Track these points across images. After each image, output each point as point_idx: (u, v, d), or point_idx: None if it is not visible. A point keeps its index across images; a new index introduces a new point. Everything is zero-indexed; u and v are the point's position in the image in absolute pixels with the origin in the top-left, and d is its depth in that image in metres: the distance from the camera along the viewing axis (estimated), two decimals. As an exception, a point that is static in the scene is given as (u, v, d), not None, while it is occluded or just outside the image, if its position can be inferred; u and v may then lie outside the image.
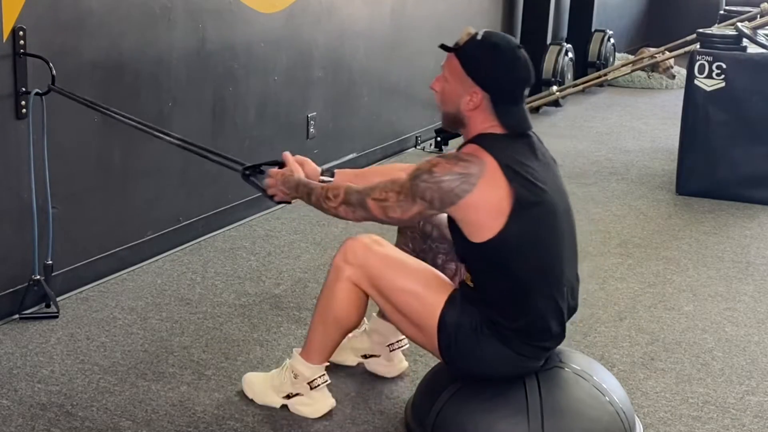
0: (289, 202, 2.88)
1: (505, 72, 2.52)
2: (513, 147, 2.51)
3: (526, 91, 2.58)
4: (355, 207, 2.59)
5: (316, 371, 2.81)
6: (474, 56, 2.52)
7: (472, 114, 2.53)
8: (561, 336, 2.63)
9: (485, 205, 2.44)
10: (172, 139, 3.27)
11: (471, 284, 2.60)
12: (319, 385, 2.82)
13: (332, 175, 2.91)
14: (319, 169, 2.93)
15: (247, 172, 2.96)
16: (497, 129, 2.53)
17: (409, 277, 2.63)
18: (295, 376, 2.83)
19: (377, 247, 2.69)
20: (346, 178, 2.88)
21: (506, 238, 2.45)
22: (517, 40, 2.59)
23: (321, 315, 2.75)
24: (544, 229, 2.53)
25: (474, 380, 2.63)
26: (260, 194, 2.92)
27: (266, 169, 2.89)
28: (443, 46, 2.59)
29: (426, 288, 2.61)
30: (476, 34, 2.54)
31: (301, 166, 2.87)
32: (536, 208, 2.49)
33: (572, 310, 2.67)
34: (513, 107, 2.54)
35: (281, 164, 2.87)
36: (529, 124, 2.58)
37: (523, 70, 2.54)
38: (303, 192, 2.73)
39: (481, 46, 2.52)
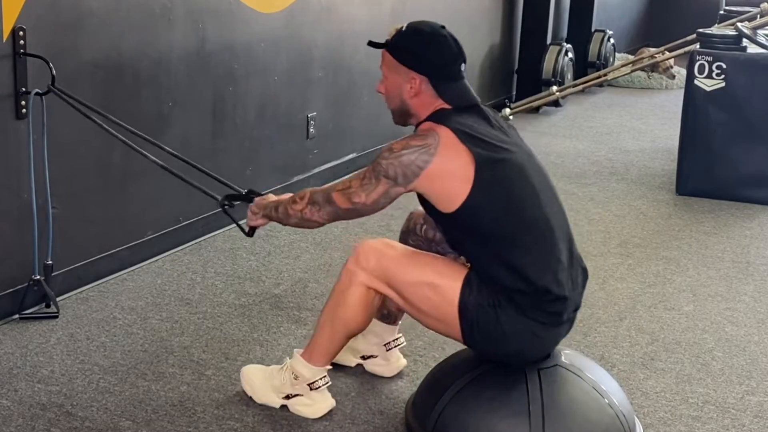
0: (255, 228, 2.96)
1: (433, 51, 2.63)
2: (464, 116, 2.61)
3: (463, 68, 2.67)
4: (321, 204, 2.66)
5: (317, 373, 2.81)
6: (402, 45, 2.65)
7: (415, 100, 2.64)
8: (573, 296, 2.61)
9: (448, 172, 2.52)
10: (155, 159, 3.35)
11: (467, 264, 2.65)
12: (319, 387, 2.82)
13: None
14: None
15: (225, 204, 3.07)
16: (444, 106, 2.63)
17: (422, 271, 2.64)
18: (296, 377, 2.82)
19: (389, 249, 2.70)
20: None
21: (477, 201, 2.51)
22: (439, 23, 2.72)
23: (329, 318, 2.75)
24: (515, 185, 2.58)
25: (500, 364, 2.64)
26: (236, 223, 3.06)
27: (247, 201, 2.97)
28: (371, 44, 2.72)
29: (441, 277, 2.62)
30: (401, 26, 2.69)
31: None
32: (500, 165, 2.55)
33: (580, 271, 2.66)
34: (452, 83, 2.64)
35: (255, 194, 2.98)
36: (473, 97, 2.67)
37: (450, 46, 2.64)
38: (271, 207, 2.82)
39: (406, 34, 2.67)
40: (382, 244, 2.71)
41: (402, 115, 2.71)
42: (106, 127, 3.37)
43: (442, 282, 2.62)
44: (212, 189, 3.26)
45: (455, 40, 2.66)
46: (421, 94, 2.63)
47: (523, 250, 2.55)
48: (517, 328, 2.56)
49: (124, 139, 3.37)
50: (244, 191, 3.03)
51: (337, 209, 2.65)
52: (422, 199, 2.63)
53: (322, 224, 2.73)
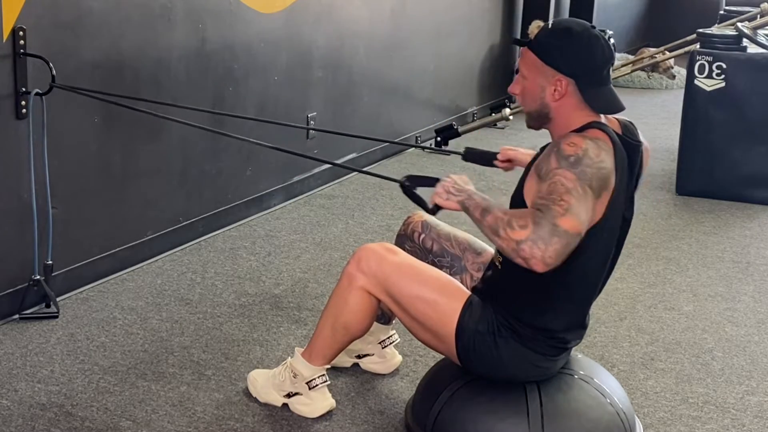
0: (440, 208, 2.54)
1: (584, 53, 2.41)
2: (619, 143, 2.39)
3: (610, 72, 2.46)
4: (547, 239, 2.17)
5: (315, 372, 2.80)
6: (549, 44, 2.42)
7: (558, 104, 2.43)
8: (577, 340, 2.63)
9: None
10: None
11: (498, 265, 2.54)
12: (317, 386, 2.81)
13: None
14: (534, 153, 2.75)
15: (407, 184, 2.67)
16: (590, 116, 2.42)
17: (424, 285, 2.60)
18: (294, 376, 2.83)
19: (391, 255, 2.66)
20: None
21: (588, 238, 2.32)
22: (589, 23, 2.48)
23: (330, 320, 2.73)
24: (610, 239, 2.46)
25: (492, 382, 2.62)
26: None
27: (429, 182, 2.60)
28: (516, 41, 2.54)
29: (441, 295, 2.58)
30: (546, 24, 2.47)
31: (516, 160, 2.86)
32: (616, 213, 2.41)
33: (586, 326, 2.66)
34: (600, 89, 2.43)
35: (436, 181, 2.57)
36: (621, 105, 2.46)
37: (603, 48, 2.42)
38: (479, 204, 2.37)
39: (554, 33, 2.43)
40: (383, 249, 2.68)
41: (539, 119, 2.47)
42: (124, 104, 3.33)
43: (442, 300, 2.57)
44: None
45: (607, 42, 2.44)
46: (566, 98, 2.41)
47: (568, 299, 2.50)
48: (515, 357, 2.54)
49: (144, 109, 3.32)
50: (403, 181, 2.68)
51: (570, 239, 2.19)
52: (519, 191, 2.41)
53: (546, 266, 2.19)
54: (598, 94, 2.43)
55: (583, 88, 2.41)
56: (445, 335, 2.59)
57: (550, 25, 2.46)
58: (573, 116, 2.43)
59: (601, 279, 2.55)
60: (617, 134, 2.43)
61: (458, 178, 2.50)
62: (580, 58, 2.41)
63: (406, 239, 2.97)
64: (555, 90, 2.42)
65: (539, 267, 2.19)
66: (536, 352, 2.54)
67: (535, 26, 2.47)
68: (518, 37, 2.41)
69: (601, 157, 2.29)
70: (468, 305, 2.56)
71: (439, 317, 2.58)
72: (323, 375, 2.82)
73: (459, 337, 2.56)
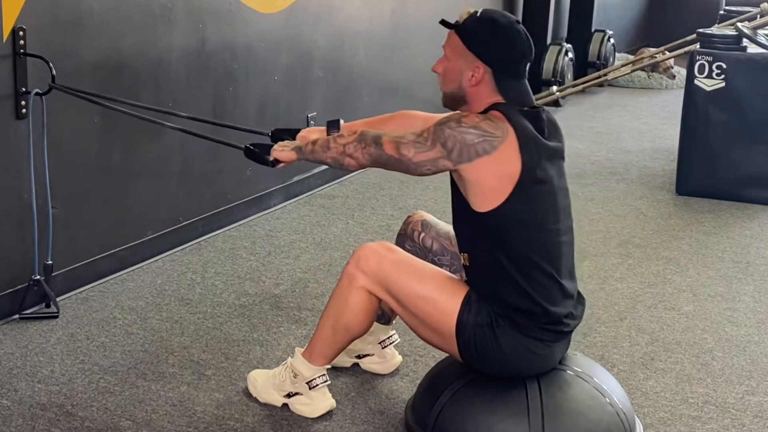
0: (278, 162, 2.78)
1: (505, 45, 2.54)
2: (523, 119, 2.52)
3: (527, 67, 2.59)
4: (368, 143, 2.54)
5: (316, 372, 2.80)
6: (474, 31, 2.55)
7: (474, 89, 2.55)
8: (572, 319, 2.62)
9: (497, 170, 2.46)
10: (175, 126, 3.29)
11: (466, 263, 2.62)
12: (318, 386, 2.81)
13: (338, 128, 2.86)
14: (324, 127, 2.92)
15: (251, 147, 2.86)
16: (502, 102, 2.54)
17: (423, 283, 2.62)
18: (295, 375, 2.83)
19: (390, 255, 2.68)
20: (355, 126, 2.88)
21: (509, 209, 2.47)
22: (515, 17, 2.61)
23: (330, 321, 2.74)
24: (546, 208, 2.55)
25: (495, 378, 2.62)
26: (266, 167, 2.86)
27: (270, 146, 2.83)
28: (443, 22, 2.63)
29: (441, 293, 2.60)
30: (475, 12, 2.59)
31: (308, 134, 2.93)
32: (540, 185, 2.52)
33: (580, 298, 2.68)
34: (515, 81, 2.56)
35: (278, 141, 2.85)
36: (531, 99, 2.59)
37: (523, 43, 2.56)
38: (309, 141, 2.70)
39: (481, 21, 2.56)
40: (383, 248, 2.70)
41: (454, 101, 2.61)
42: (119, 107, 3.34)
43: (442, 298, 2.60)
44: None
45: (528, 39, 2.58)
46: (481, 85, 2.55)
47: (531, 270, 2.53)
48: (515, 347, 2.55)
49: (137, 114, 3.33)
50: (268, 134, 2.95)
51: (382, 153, 2.53)
52: (455, 190, 2.58)
53: (361, 166, 2.60)
54: (512, 86, 2.56)
55: (498, 78, 2.54)
56: (446, 332, 2.60)
57: (478, 13, 2.59)
58: (484, 103, 2.55)
59: (560, 245, 2.58)
60: (520, 110, 2.53)
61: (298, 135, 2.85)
62: (501, 49, 2.54)
63: (406, 239, 2.98)
64: (472, 75, 2.54)
65: (353, 163, 2.58)
66: (534, 338, 2.55)
67: (466, 12, 2.61)
68: (447, 21, 2.53)
69: (477, 126, 2.45)
70: (467, 301, 2.58)
71: (439, 314, 2.59)
72: (324, 375, 2.82)
73: (460, 333, 2.57)
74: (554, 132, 2.63)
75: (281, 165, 2.80)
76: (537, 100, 7.12)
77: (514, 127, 2.48)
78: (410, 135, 2.52)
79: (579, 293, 2.69)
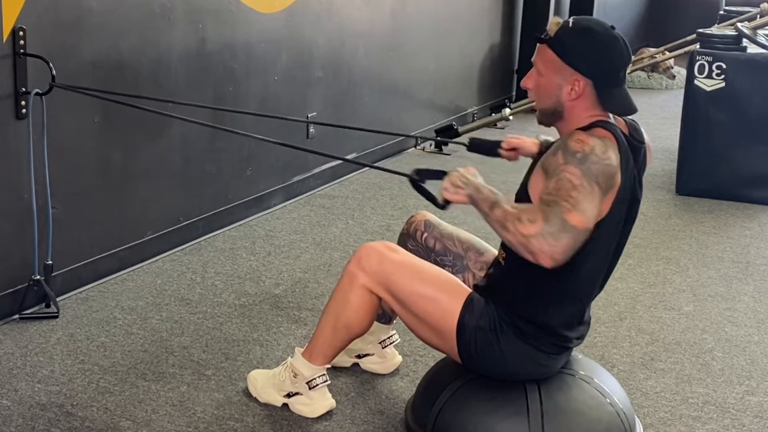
0: (450, 203, 2.50)
1: (606, 55, 2.41)
2: (624, 143, 2.39)
3: (626, 73, 2.46)
4: (556, 234, 2.18)
5: (316, 371, 2.80)
6: (569, 43, 2.41)
7: (574, 104, 2.42)
8: (578, 339, 2.62)
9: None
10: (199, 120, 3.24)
11: (502, 262, 2.54)
12: (318, 385, 2.81)
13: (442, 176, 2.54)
14: (538, 141, 2.82)
15: (416, 178, 2.60)
16: (599, 115, 2.43)
17: (424, 283, 2.60)
18: (295, 375, 2.82)
19: (392, 254, 2.66)
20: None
21: (595, 233, 2.33)
22: (608, 23, 2.48)
23: (331, 320, 2.73)
24: (612, 237, 2.46)
25: (492, 381, 2.61)
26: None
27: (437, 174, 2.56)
28: (536, 38, 2.49)
29: (442, 293, 2.58)
30: (566, 21, 2.45)
31: (520, 148, 2.84)
32: (633, 205, 2.42)
33: (588, 325, 2.66)
34: (616, 90, 2.43)
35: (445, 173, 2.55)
36: (634, 106, 2.45)
37: (622, 50, 2.43)
38: (486, 198, 2.36)
39: (575, 32, 2.43)
40: (384, 247, 2.68)
41: (552, 116, 2.46)
42: (126, 102, 3.32)
43: (443, 297, 2.57)
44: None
45: (626, 44, 2.44)
46: (582, 98, 2.40)
47: (568, 292, 2.49)
48: (517, 354, 2.53)
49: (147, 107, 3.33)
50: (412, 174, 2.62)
51: (577, 235, 2.20)
52: (524, 189, 2.42)
53: (554, 262, 2.20)
54: (613, 95, 2.42)
55: (599, 89, 2.41)
56: (445, 332, 2.58)
57: (570, 24, 2.44)
58: (584, 115, 2.43)
59: (603, 276, 2.55)
60: (623, 134, 2.43)
61: (465, 170, 2.47)
62: (600, 60, 2.40)
63: (408, 238, 2.97)
64: (572, 89, 2.41)
65: (547, 262, 2.20)
66: (538, 349, 2.54)
67: (555, 23, 2.46)
68: (538, 35, 2.37)
69: (608, 154, 2.29)
70: (469, 302, 2.57)
71: (440, 314, 2.58)
72: (324, 375, 2.82)
73: (460, 335, 2.56)
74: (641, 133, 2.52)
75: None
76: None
77: (619, 147, 2.35)
78: (573, 192, 2.22)
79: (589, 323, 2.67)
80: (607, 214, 2.35)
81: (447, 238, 2.91)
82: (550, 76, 2.43)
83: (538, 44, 2.48)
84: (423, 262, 2.69)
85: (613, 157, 2.31)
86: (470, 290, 2.61)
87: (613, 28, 2.46)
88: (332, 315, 2.73)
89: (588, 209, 2.22)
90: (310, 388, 2.81)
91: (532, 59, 2.50)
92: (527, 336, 2.52)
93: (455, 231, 2.95)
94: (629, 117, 2.53)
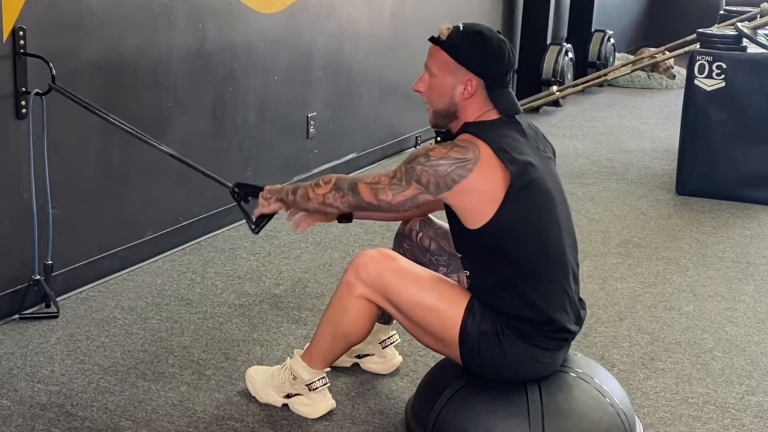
0: (264, 219, 2.86)
1: (496, 57, 2.55)
2: (503, 131, 2.55)
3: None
4: (345, 192, 2.59)
5: (315, 375, 2.80)
6: (463, 45, 2.56)
7: (466, 103, 2.56)
8: (576, 325, 2.62)
9: (480, 190, 2.46)
10: (164, 149, 3.31)
11: (468, 279, 2.61)
12: (318, 388, 2.81)
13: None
14: None
15: (236, 191, 2.92)
16: (491, 114, 2.57)
17: (425, 291, 2.59)
18: (294, 378, 2.82)
19: (389, 262, 2.64)
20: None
21: (502, 221, 2.46)
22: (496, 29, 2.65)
23: (329, 328, 2.73)
24: (540, 211, 2.53)
25: (493, 382, 2.61)
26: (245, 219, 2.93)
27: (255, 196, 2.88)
28: (432, 39, 2.63)
29: (443, 301, 2.58)
30: (457, 26, 2.60)
31: None
32: (529, 189, 2.50)
33: (582, 305, 2.67)
34: (503, 91, 2.59)
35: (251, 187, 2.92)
36: (518, 107, 2.63)
37: (509, 53, 2.59)
38: (287, 191, 2.74)
39: (467, 35, 2.57)
40: (382, 256, 2.66)
41: (446, 117, 2.61)
42: (112, 119, 3.33)
43: (444, 306, 2.57)
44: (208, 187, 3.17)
45: (511, 49, 2.61)
46: (474, 98, 2.55)
47: (537, 277, 2.52)
48: (520, 355, 2.54)
49: (132, 129, 3.34)
50: (230, 185, 2.94)
51: (361, 200, 2.58)
52: (449, 213, 2.57)
53: (342, 211, 2.68)
54: (502, 95, 2.58)
55: (489, 90, 2.55)
56: (448, 340, 2.58)
57: (461, 28, 2.58)
58: (475, 114, 2.57)
59: (564, 247, 2.57)
60: (499, 120, 2.56)
61: (271, 186, 2.82)
62: (491, 61, 2.55)
63: (404, 238, 2.97)
64: (465, 89, 2.54)
65: (334, 212, 2.67)
66: (538, 347, 2.54)
67: (446, 27, 2.60)
68: (432, 37, 2.52)
69: (446, 156, 2.45)
70: (470, 308, 2.56)
71: (441, 323, 2.57)
72: (323, 378, 2.82)
73: (463, 341, 2.56)
74: (535, 135, 2.64)
75: (292, 221, 2.85)
76: (537, 100, 7.17)
77: (486, 142, 2.48)
78: (384, 178, 2.54)
79: (580, 298, 2.69)
80: (505, 195, 2.46)
81: (442, 238, 2.90)
82: (444, 77, 2.57)
83: (431, 47, 2.62)
84: (421, 270, 2.68)
85: (464, 155, 2.45)
86: (470, 295, 2.60)
87: (499, 32, 2.62)
88: (330, 323, 2.72)
89: (383, 192, 2.53)
90: (310, 390, 2.81)
91: (425, 63, 2.63)
92: (527, 335, 2.53)
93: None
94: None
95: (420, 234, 2.93)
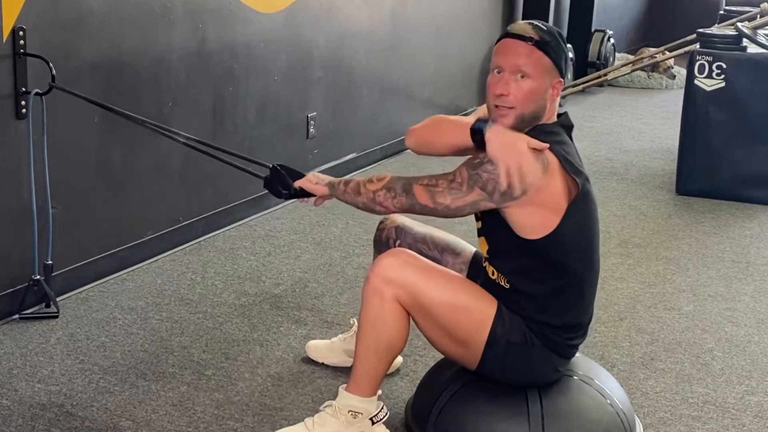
0: (305, 194, 2.71)
1: (567, 56, 2.50)
2: (562, 137, 2.45)
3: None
4: (398, 192, 2.44)
5: (374, 403, 2.61)
6: (554, 45, 2.42)
7: (551, 105, 2.45)
8: (586, 337, 2.63)
9: (546, 201, 2.36)
10: (179, 138, 3.25)
11: (507, 285, 2.51)
12: (381, 419, 2.63)
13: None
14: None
15: (279, 167, 2.80)
16: (553, 117, 2.48)
17: (455, 292, 2.49)
18: (355, 416, 2.59)
19: (413, 261, 2.52)
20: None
21: (564, 232, 2.38)
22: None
23: (371, 344, 2.53)
24: (594, 222, 2.50)
25: (494, 383, 2.60)
26: (284, 194, 2.79)
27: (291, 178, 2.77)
28: (522, 38, 2.42)
29: (475, 301, 2.49)
30: (537, 24, 2.45)
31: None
32: (587, 200, 2.44)
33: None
34: None
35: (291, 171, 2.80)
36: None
37: None
38: (339, 181, 2.60)
39: (552, 34, 2.43)
40: (404, 255, 2.54)
41: (530, 121, 2.43)
42: (118, 109, 3.32)
43: (476, 307, 2.48)
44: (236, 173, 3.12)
45: None
46: (556, 101, 2.45)
47: (584, 285, 2.50)
48: (544, 364, 2.52)
49: (143, 119, 3.31)
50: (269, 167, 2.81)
51: (415, 203, 2.43)
52: (494, 213, 2.44)
53: (392, 212, 2.55)
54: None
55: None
56: (473, 342, 2.50)
57: (544, 27, 2.45)
58: (552, 118, 2.48)
59: (599, 258, 2.58)
60: (562, 125, 2.48)
61: (313, 174, 2.74)
62: (568, 61, 2.52)
63: (381, 245, 2.86)
64: (555, 90, 2.43)
65: (383, 211, 2.51)
66: (561, 355, 2.54)
67: (528, 26, 2.44)
68: (523, 37, 2.35)
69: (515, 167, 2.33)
70: (499, 313, 2.49)
71: (471, 324, 2.48)
72: (382, 404, 2.64)
73: (490, 346, 2.48)
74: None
75: (311, 200, 2.72)
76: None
77: (554, 151, 2.38)
78: (442, 181, 2.40)
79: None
80: (570, 204, 2.39)
81: (421, 242, 2.80)
82: (542, 78, 2.40)
83: (517, 47, 2.41)
84: (444, 269, 2.59)
85: (533, 169, 2.33)
86: (496, 300, 2.52)
87: None
88: (371, 341, 2.53)
89: (441, 197, 2.40)
90: (373, 424, 2.61)
91: (503, 64, 2.41)
92: (554, 344, 2.52)
93: (429, 232, 2.84)
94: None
95: (398, 241, 2.83)
